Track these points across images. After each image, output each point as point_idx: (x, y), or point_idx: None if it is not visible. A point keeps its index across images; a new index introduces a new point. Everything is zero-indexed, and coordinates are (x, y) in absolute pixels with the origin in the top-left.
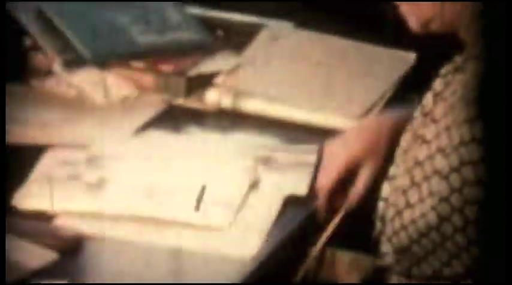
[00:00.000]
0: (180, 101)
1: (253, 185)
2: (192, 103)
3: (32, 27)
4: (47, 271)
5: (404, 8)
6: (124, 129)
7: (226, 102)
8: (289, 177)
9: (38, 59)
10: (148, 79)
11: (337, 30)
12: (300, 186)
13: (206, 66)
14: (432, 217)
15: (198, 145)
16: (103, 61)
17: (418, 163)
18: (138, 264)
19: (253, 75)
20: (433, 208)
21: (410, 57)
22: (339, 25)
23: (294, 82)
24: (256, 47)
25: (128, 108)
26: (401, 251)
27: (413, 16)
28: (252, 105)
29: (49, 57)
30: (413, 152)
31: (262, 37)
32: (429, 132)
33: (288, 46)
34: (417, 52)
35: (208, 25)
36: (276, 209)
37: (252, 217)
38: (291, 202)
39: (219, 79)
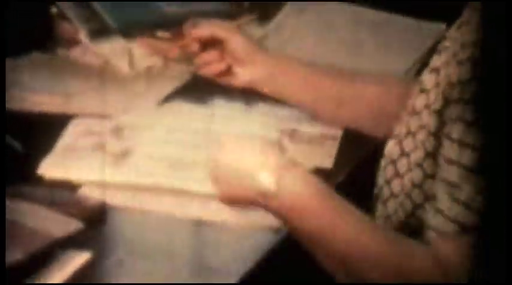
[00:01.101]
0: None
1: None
2: None
3: None
4: (71, 240)
5: None
6: (149, 99)
7: None
8: (315, 150)
9: (64, 28)
10: (174, 49)
11: (365, 0)
12: (325, 159)
13: None
14: (417, 173)
15: (223, 116)
16: (129, 31)
17: (415, 113)
18: (161, 235)
19: (279, 47)
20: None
21: (440, 27)
22: None
23: (321, 53)
24: (283, 18)
25: (153, 78)
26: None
27: None
28: None
29: (75, 26)
30: (411, 101)
31: (288, 8)
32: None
33: (315, 17)
34: (447, 22)
35: None
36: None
37: None
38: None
39: None
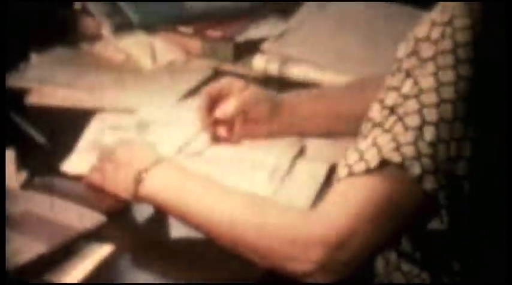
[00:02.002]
0: (227, 67)
1: (299, 153)
2: (238, 69)
3: None
4: (95, 233)
5: None
6: (172, 94)
7: (273, 68)
8: (333, 145)
9: (87, 23)
10: (195, 44)
11: None
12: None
13: (253, 32)
14: None
15: None
16: (151, 26)
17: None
18: (184, 229)
19: (300, 42)
20: None
21: None
22: None
23: (341, 49)
24: (304, 14)
25: (175, 72)
26: None
27: None
28: (298, 72)
29: (98, 21)
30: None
31: (310, 3)
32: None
33: (336, 13)
34: None
35: None
36: (321, 178)
37: (297, 185)
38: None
39: (266, 46)
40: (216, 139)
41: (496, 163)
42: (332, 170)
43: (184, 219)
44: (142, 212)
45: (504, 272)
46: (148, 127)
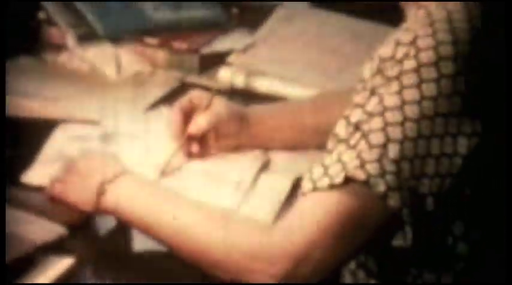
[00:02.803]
0: (193, 79)
1: (264, 166)
2: (204, 81)
3: (47, 2)
4: (55, 246)
5: None
6: (136, 106)
7: (239, 81)
8: (299, 159)
9: (52, 33)
10: (161, 55)
11: (353, 10)
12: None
13: (220, 44)
14: None
15: None
16: (116, 37)
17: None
18: (147, 242)
19: (267, 55)
20: None
21: None
22: (355, 5)
23: (308, 63)
24: (271, 26)
25: (141, 84)
26: None
27: None
28: (264, 85)
29: (62, 31)
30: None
31: (276, 16)
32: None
33: (303, 26)
34: None
35: (223, 3)
36: (285, 192)
37: (261, 199)
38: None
39: (232, 58)
40: (189, 155)
41: (489, 171)
42: (296, 184)
43: (147, 232)
44: (104, 224)
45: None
46: (112, 139)
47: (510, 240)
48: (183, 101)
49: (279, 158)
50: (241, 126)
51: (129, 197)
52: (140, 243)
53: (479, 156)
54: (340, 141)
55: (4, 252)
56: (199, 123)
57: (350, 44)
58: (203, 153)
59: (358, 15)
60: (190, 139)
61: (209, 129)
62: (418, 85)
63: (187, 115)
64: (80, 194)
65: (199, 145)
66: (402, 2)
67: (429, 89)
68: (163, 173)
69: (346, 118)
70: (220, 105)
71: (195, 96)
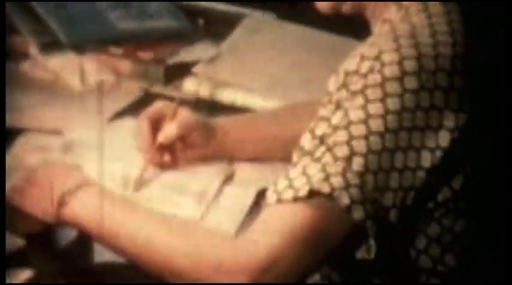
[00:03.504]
0: (158, 89)
1: (228, 178)
2: (169, 91)
3: (9, 9)
4: (14, 258)
5: None
6: (100, 116)
7: (204, 91)
8: (263, 170)
9: (15, 42)
10: (126, 65)
11: (320, 23)
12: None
13: (185, 55)
14: None
15: None
16: (80, 46)
17: None
18: (108, 253)
19: (233, 66)
20: None
21: None
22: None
23: (273, 74)
24: (237, 38)
25: (105, 94)
26: None
27: None
28: (229, 96)
29: (26, 40)
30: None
31: (243, 27)
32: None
33: (269, 38)
34: None
35: (189, 13)
36: (249, 203)
37: (224, 210)
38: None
39: (197, 69)
40: (159, 165)
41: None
42: (260, 196)
43: (109, 243)
44: (65, 236)
45: None
46: (75, 149)
47: (472, 253)
48: (149, 111)
49: (244, 169)
50: (207, 136)
51: (91, 209)
52: (101, 254)
53: (445, 169)
54: (305, 153)
55: (4, 252)
56: (168, 132)
57: (316, 56)
58: (171, 164)
59: (324, 28)
60: (160, 149)
61: (177, 139)
62: (383, 100)
63: (154, 126)
64: (40, 204)
65: (167, 155)
66: (368, 17)
67: (393, 103)
68: (137, 185)
69: (312, 131)
70: (186, 115)
71: (160, 106)
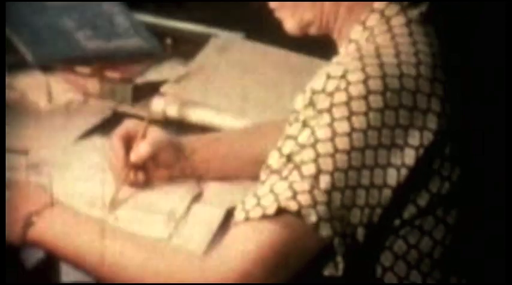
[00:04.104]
0: (126, 108)
1: (196, 197)
2: (137, 110)
3: None
4: None
5: (283, 12)
6: (67, 135)
7: (172, 110)
8: (232, 189)
9: None
10: (93, 84)
11: (287, 42)
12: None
13: (153, 74)
14: None
15: None
16: (47, 65)
17: None
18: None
19: (200, 85)
20: None
21: None
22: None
23: (241, 94)
24: (204, 57)
25: (72, 113)
26: None
27: (292, 20)
28: (197, 115)
29: None
30: None
31: (210, 47)
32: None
33: (236, 57)
34: None
35: (157, 33)
36: (217, 222)
37: (192, 229)
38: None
39: (165, 88)
40: (132, 184)
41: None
42: (229, 215)
43: (77, 263)
44: (32, 256)
45: None
46: (42, 169)
47: (438, 270)
48: (121, 130)
49: (212, 188)
50: (177, 155)
51: (58, 229)
52: (69, 274)
53: (411, 187)
54: (272, 172)
55: (4, 250)
56: (141, 151)
57: (283, 75)
58: (143, 183)
59: (291, 47)
60: (133, 168)
61: (149, 158)
62: (349, 118)
63: (124, 145)
64: (7, 225)
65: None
66: (335, 37)
67: (359, 122)
68: (112, 206)
69: (279, 149)
70: (157, 134)
71: (131, 125)
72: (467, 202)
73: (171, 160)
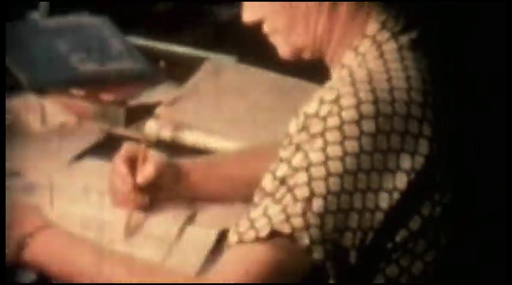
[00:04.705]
0: (119, 130)
1: (189, 219)
2: (131, 133)
3: None
4: None
5: (277, 37)
6: (61, 157)
7: (166, 133)
8: (225, 211)
9: None
10: (87, 107)
11: (280, 66)
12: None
13: (147, 97)
14: None
15: None
16: (41, 88)
17: None
18: None
19: (194, 108)
20: None
21: None
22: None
23: (234, 117)
24: (198, 80)
25: (66, 135)
26: None
27: (286, 45)
28: (191, 138)
29: None
30: None
31: (204, 70)
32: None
33: (229, 80)
34: None
35: (151, 56)
36: (210, 245)
37: (186, 252)
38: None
39: (159, 110)
40: (137, 208)
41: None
42: (222, 237)
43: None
44: (25, 276)
45: None
46: (35, 191)
47: None
48: (123, 153)
49: (205, 210)
50: (177, 178)
51: (52, 251)
52: None
53: (403, 211)
54: (266, 194)
55: (4, 253)
56: (147, 173)
57: (275, 99)
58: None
59: (284, 71)
60: (139, 191)
61: (154, 180)
62: (341, 142)
63: (129, 169)
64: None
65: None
66: (328, 62)
67: (351, 146)
68: (128, 232)
69: (273, 172)
70: (158, 157)
71: (131, 148)
72: (459, 225)
73: (171, 182)
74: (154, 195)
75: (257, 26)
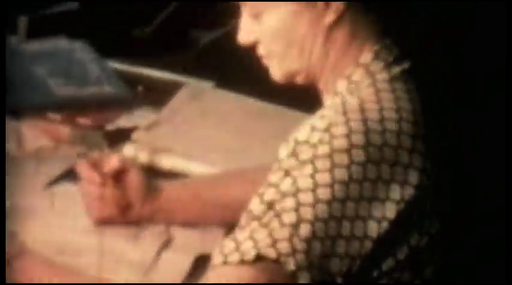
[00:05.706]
0: (97, 154)
1: (165, 244)
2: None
3: None
4: None
5: (271, 60)
6: (38, 181)
7: (143, 157)
8: (201, 236)
9: None
10: (64, 131)
11: (258, 91)
12: (211, 245)
13: (125, 121)
14: None
15: None
16: (17, 112)
17: None
18: None
19: (171, 132)
20: None
21: None
22: (260, 86)
23: (211, 141)
24: (175, 105)
25: (43, 159)
26: None
27: (279, 68)
28: (168, 162)
29: None
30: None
31: (181, 95)
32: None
33: (207, 105)
34: None
35: (129, 80)
36: (186, 269)
37: (161, 277)
38: (201, 261)
39: (136, 135)
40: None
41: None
42: (198, 262)
43: None
44: None
45: None
46: (12, 215)
47: None
48: (85, 162)
49: (181, 235)
50: (149, 196)
51: (28, 278)
52: None
53: (391, 240)
54: (253, 217)
55: (4, 253)
56: (111, 163)
57: (254, 124)
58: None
59: (262, 96)
60: (108, 190)
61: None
62: (331, 170)
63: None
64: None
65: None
66: (320, 88)
67: (341, 174)
68: (147, 272)
69: (260, 196)
70: (134, 171)
71: (91, 156)
72: (447, 255)
73: (142, 199)
74: (123, 213)
75: (237, 51)
